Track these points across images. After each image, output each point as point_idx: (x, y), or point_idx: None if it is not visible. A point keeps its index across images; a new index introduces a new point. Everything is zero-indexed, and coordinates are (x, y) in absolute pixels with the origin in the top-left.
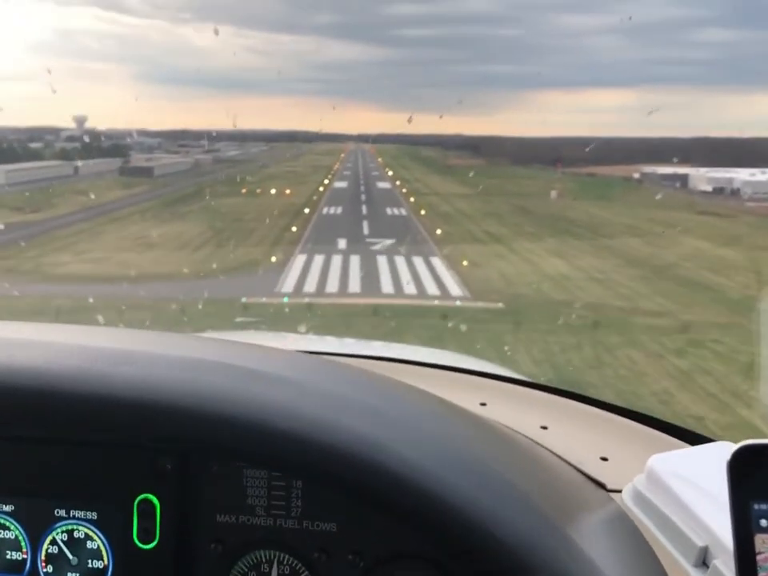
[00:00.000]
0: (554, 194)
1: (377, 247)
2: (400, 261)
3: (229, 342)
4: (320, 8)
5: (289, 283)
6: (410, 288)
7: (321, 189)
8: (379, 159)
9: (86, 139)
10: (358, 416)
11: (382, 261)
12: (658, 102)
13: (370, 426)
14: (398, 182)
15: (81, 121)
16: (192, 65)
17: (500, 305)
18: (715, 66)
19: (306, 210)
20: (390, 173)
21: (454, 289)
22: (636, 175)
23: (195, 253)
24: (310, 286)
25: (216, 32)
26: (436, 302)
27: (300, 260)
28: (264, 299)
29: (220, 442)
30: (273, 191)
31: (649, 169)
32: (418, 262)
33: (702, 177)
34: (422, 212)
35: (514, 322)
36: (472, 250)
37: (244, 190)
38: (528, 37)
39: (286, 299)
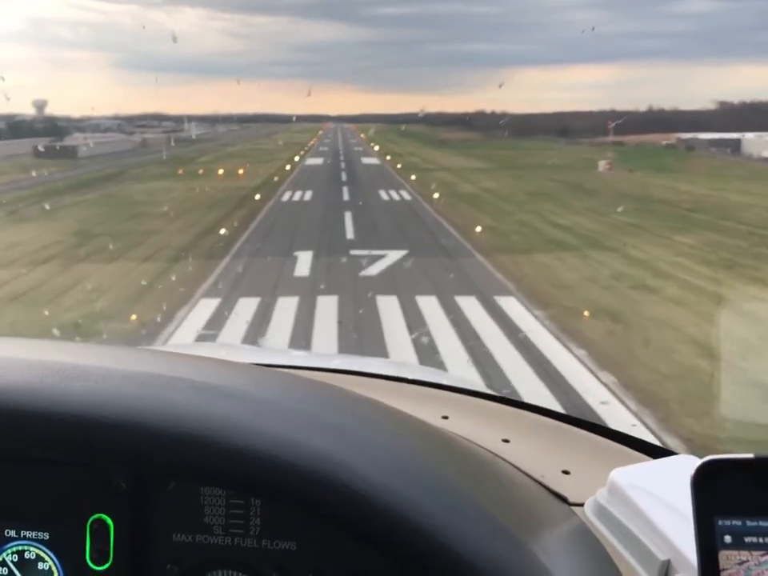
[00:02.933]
0: (603, 165)
1: (372, 271)
2: (429, 307)
3: (185, 356)
4: None
5: None
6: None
7: (287, 167)
8: (362, 135)
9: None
10: (316, 431)
11: (387, 309)
12: (639, 77)
13: (330, 443)
14: (388, 157)
15: (40, 105)
16: (167, 50)
17: None
18: (694, 39)
19: (257, 197)
20: (377, 147)
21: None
22: (664, 142)
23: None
24: None
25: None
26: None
27: (199, 316)
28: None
29: (175, 460)
30: (220, 171)
31: (687, 135)
32: (472, 309)
33: (763, 142)
34: (435, 195)
35: None
36: (571, 270)
37: (181, 171)
38: (505, 14)
39: None
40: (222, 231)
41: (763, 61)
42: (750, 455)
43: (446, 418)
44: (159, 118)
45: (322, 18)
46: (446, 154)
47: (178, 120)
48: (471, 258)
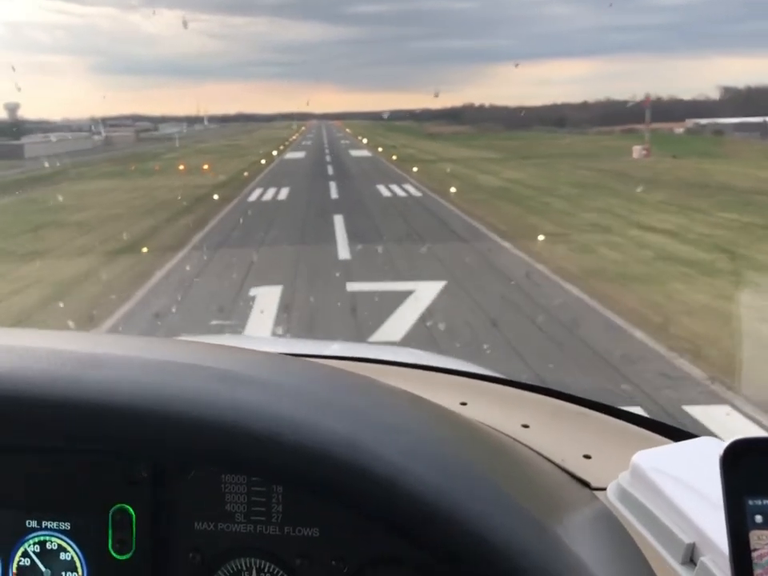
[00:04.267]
0: (638, 151)
1: (395, 330)
2: None
3: (203, 344)
4: None
5: None
6: None
7: (263, 161)
8: (347, 130)
9: None
10: (339, 417)
11: None
12: (618, 71)
13: (352, 428)
14: (379, 149)
15: (12, 108)
16: (146, 53)
17: None
18: (671, 31)
19: (216, 197)
20: (365, 140)
21: None
22: (679, 130)
23: None
24: None
25: (154, 13)
26: None
27: None
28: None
29: (194, 447)
30: (181, 167)
31: (705, 121)
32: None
33: None
34: (452, 189)
35: None
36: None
37: (134, 168)
38: (484, 9)
39: None
40: (144, 250)
41: (740, 52)
42: None
43: (464, 404)
44: (136, 118)
45: (302, 17)
46: (443, 145)
47: (156, 120)
48: (566, 302)
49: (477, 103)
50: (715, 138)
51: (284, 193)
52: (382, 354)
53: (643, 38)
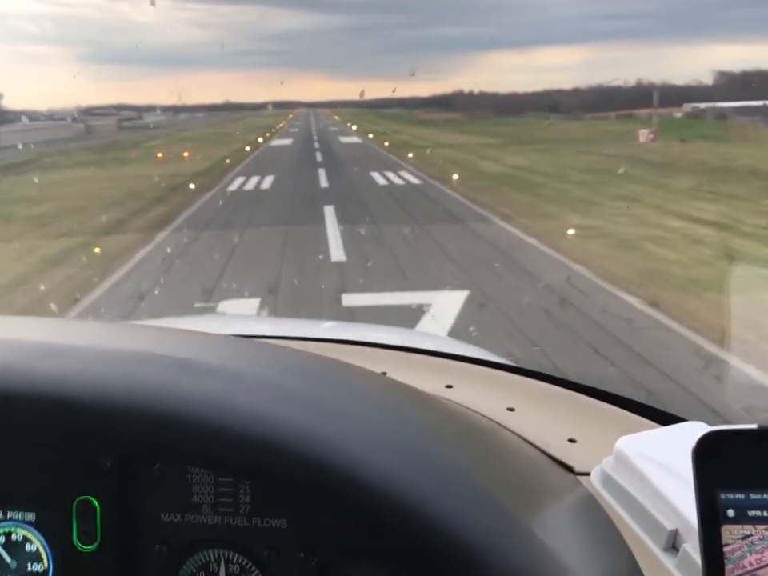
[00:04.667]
0: (645, 135)
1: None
2: None
3: (166, 331)
4: None
5: None
6: None
7: (247, 149)
8: (336, 117)
9: None
10: (302, 409)
11: None
12: (607, 58)
13: (315, 420)
14: (370, 135)
15: None
16: (133, 42)
17: None
18: (659, 19)
19: (192, 186)
20: (354, 127)
21: None
22: (677, 114)
23: None
24: None
25: (152, 3)
26: None
27: None
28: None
29: (149, 440)
30: (159, 155)
31: (704, 105)
32: None
33: None
34: (454, 177)
35: None
36: None
37: (111, 156)
38: None
39: None
40: (96, 251)
41: (733, 39)
42: (754, 425)
43: (449, 387)
44: (122, 108)
45: (290, 5)
46: (436, 131)
47: (143, 110)
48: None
49: (466, 90)
50: (718, 122)
51: (268, 181)
52: (367, 335)
53: (630, 26)
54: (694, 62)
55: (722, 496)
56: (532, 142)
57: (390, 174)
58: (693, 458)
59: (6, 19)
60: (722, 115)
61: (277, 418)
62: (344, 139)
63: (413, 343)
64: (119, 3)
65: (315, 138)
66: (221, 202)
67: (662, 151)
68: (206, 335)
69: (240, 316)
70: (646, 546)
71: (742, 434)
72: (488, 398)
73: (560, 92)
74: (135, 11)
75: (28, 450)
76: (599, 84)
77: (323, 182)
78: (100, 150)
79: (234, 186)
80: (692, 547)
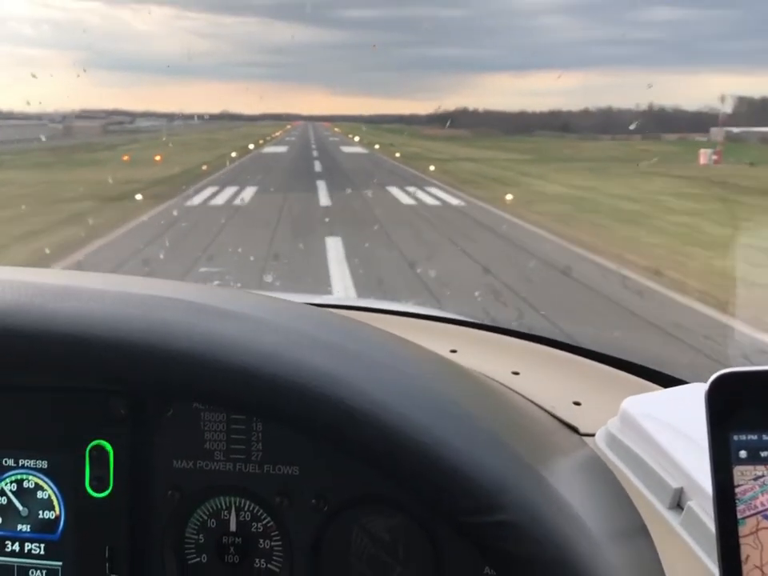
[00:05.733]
0: (706, 156)
1: None
2: None
3: (181, 282)
4: None
5: None
6: None
7: (233, 155)
8: (336, 129)
9: None
10: (320, 352)
11: None
12: (607, 84)
13: (332, 362)
14: (376, 146)
15: None
16: (134, 50)
17: None
18: (662, 46)
19: (138, 198)
20: (357, 138)
21: None
22: (702, 138)
23: None
24: None
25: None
26: None
27: None
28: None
29: (169, 379)
30: (125, 158)
31: (739, 129)
32: None
33: None
34: (508, 196)
35: None
36: None
37: (74, 157)
38: (475, 18)
39: None
40: None
41: (730, 69)
42: (766, 367)
43: (454, 351)
44: (118, 113)
45: (291, 19)
46: (447, 145)
47: (138, 116)
48: None
49: (471, 107)
50: (765, 146)
51: (247, 194)
52: (369, 304)
53: (631, 53)
54: (696, 89)
55: (735, 437)
56: (567, 160)
57: (415, 191)
58: (705, 399)
59: (6, 22)
60: (765, 139)
61: (295, 360)
62: (347, 149)
63: (416, 311)
64: (120, 10)
65: (314, 146)
66: (162, 222)
67: (737, 174)
68: (221, 287)
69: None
70: (652, 504)
71: (754, 376)
72: (493, 362)
73: (569, 113)
74: (136, 18)
75: (43, 396)
76: (608, 106)
77: (323, 199)
78: (66, 150)
79: (197, 200)
80: (697, 505)
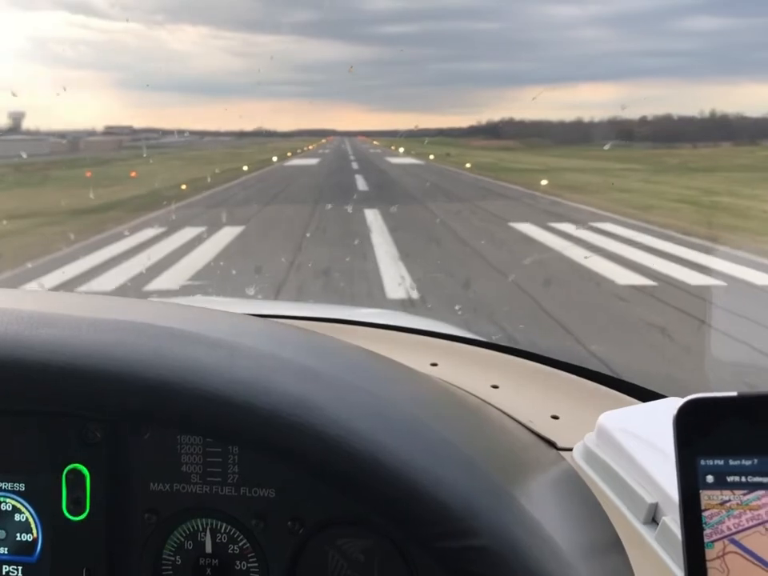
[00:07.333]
0: None
1: None
2: None
3: (158, 303)
4: (299, 5)
5: None
6: None
7: (245, 168)
8: (375, 142)
9: None
10: (292, 377)
11: None
12: (646, 96)
13: (304, 387)
14: (431, 156)
15: (17, 117)
16: (171, 69)
17: None
18: (702, 57)
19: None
20: (401, 149)
21: None
22: None
23: None
24: None
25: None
26: None
27: None
28: None
29: (143, 407)
30: (88, 174)
31: None
32: None
33: None
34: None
35: None
36: None
37: (58, 174)
38: (511, 31)
39: None
40: None
41: None
42: (734, 393)
43: (434, 365)
44: (150, 130)
45: (325, 36)
46: (512, 155)
47: (169, 133)
48: None
49: (517, 118)
50: None
51: (211, 250)
52: (353, 316)
53: (669, 64)
54: (738, 98)
55: (702, 462)
56: (706, 170)
57: (593, 237)
58: (673, 424)
59: (47, 43)
60: None
61: (271, 387)
62: (394, 160)
63: (399, 323)
64: (156, 30)
65: (352, 157)
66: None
67: None
68: (198, 308)
69: (230, 300)
70: (627, 519)
71: (721, 402)
72: (473, 375)
73: (629, 122)
74: (172, 38)
75: (19, 420)
76: (666, 114)
77: (388, 246)
78: (41, 166)
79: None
80: (671, 520)
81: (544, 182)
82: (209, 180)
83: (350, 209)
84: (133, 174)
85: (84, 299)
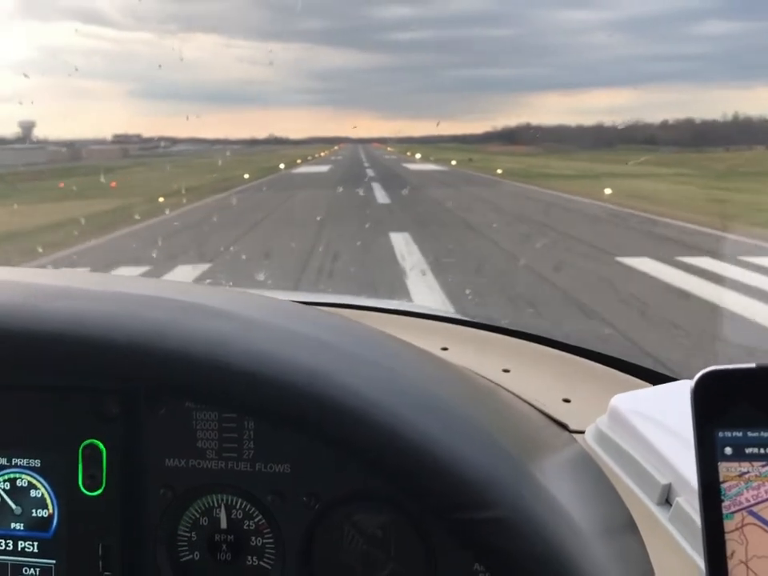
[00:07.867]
0: None
1: None
2: None
3: (173, 281)
4: (311, 13)
5: None
6: None
7: (246, 176)
8: (389, 149)
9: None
10: (310, 350)
11: None
12: (658, 101)
13: (323, 361)
14: (453, 162)
15: (27, 126)
16: (184, 78)
17: None
18: (715, 61)
19: None
20: (418, 155)
21: None
22: None
23: None
24: None
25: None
26: None
27: None
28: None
29: (161, 378)
30: (60, 185)
31: None
32: None
33: None
34: None
35: None
36: None
37: (34, 184)
38: (523, 36)
39: None
40: None
41: None
42: (752, 364)
43: (445, 349)
44: (162, 139)
45: (337, 44)
46: (538, 160)
47: (180, 141)
48: None
49: (534, 123)
50: None
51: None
52: (361, 302)
53: (682, 68)
54: (755, 101)
55: (720, 434)
56: (756, 174)
57: (717, 267)
58: (691, 396)
59: (60, 53)
60: None
61: (287, 358)
62: (412, 166)
63: (408, 308)
64: (169, 39)
65: (366, 164)
66: None
67: None
68: (213, 286)
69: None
70: (640, 501)
71: (740, 373)
72: (483, 359)
73: (652, 126)
74: (185, 47)
75: (36, 395)
76: (688, 117)
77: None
78: (46, 175)
79: None
80: (685, 501)
81: (608, 191)
82: (200, 191)
83: (365, 228)
84: (113, 184)
85: (102, 277)
